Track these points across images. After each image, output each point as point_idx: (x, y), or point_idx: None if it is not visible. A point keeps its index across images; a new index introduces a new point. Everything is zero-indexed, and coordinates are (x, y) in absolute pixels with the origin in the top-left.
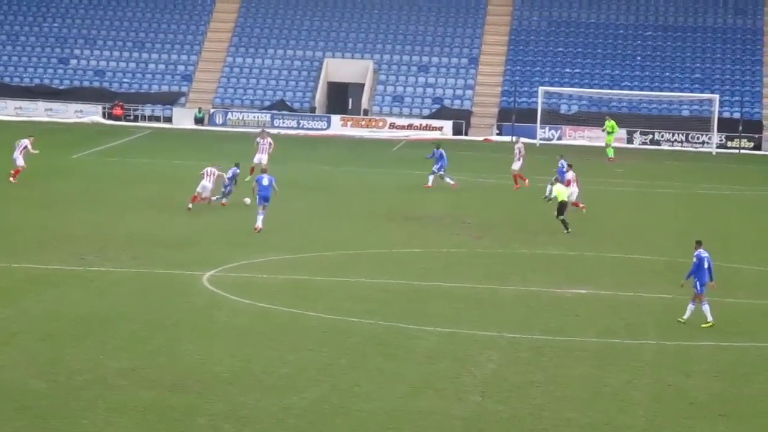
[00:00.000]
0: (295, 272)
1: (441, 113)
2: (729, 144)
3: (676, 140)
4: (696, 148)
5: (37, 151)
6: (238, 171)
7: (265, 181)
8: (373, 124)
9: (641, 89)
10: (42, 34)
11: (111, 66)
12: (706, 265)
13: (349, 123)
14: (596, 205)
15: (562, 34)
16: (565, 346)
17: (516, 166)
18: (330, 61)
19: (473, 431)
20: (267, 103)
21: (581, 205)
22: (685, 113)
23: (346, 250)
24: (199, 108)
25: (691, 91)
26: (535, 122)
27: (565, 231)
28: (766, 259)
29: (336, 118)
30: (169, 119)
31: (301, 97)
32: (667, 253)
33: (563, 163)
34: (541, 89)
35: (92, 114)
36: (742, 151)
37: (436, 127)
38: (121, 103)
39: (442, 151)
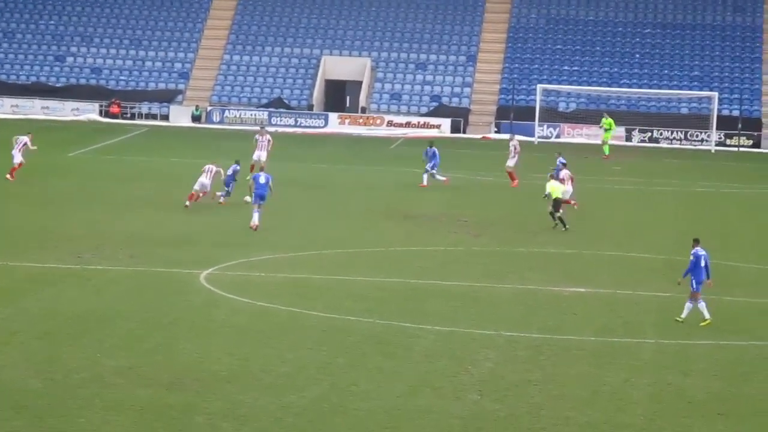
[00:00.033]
0: (294, 271)
1: (439, 111)
2: (728, 142)
3: (674, 138)
4: (695, 145)
5: (35, 148)
6: (238, 168)
7: (262, 180)
8: (371, 121)
9: (640, 87)
10: (38, 32)
11: (108, 64)
12: (703, 263)
13: (347, 121)
14: (594, 203)
15: (561, 32)
16: (563, 344)
17: (510, 163)
18: (327, 58)
19: (471, 430)
20: (264, 101)
21: (572, 202)
22: (684, 111)
23: (344, 249)
24: (196, 106)
25: (690, 89)
26: (534, 120)
27: (563, 228)
28: (764, 257)
29: (333, 116)
30: (166, 117)
31: (298, 94)
32: (666, 252)
33: (561, 160)
34: (539, 87)
35: (89, 112)
36: (741, 148)
37: (434, 125)
38: (117, 101)
39: (435, 150)
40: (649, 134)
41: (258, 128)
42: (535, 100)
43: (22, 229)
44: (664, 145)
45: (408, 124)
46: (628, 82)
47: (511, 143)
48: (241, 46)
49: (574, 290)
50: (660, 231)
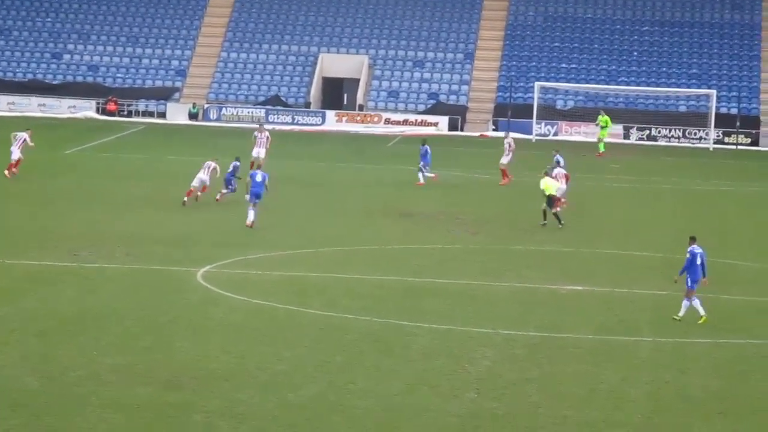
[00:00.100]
0: (291, 269)
1: (436, 109)
2: (726, 140)
3: (672, 136)
4: (693, 143)
5: (33, 144)
6: (238, 164)
7: (259, 178)
8: (369, 119)
9: (638, 85)
10: (35, 29)
11: (105, 61)
12: (699, 261)
13: (344, 118)
14: (592, 201)
15: (558, 29)
16: (560, 342)
17: (504, 160)
18: (325, 56)
19: (469, 428)
20: (261, 99)
21: (563, 200)
22: (682, 109)
23: (342, 247)
24: (194, 103)
25: (688, 87)
26: (531, 118)
27: (558, 225)
28: (762, 256)
29: (331, 114)
30: (163, 114)
31: (295, 92)
32: (663, 250)
33: (559, 158)
34: (537, 84)
35: (86, 109)
36: (740, 146)
37: (431, 123)
38: (114, 99)
39: (427, 148)
40: (647, 132)
41: (257, 125)
42: (532, 98)
43: (18, 228)
44: (662, 143)
45: (405, 122)
46: (626, 79)
47: (505, 140)
48: (238, 43)
49: (572, 288)
50: (658, 229)
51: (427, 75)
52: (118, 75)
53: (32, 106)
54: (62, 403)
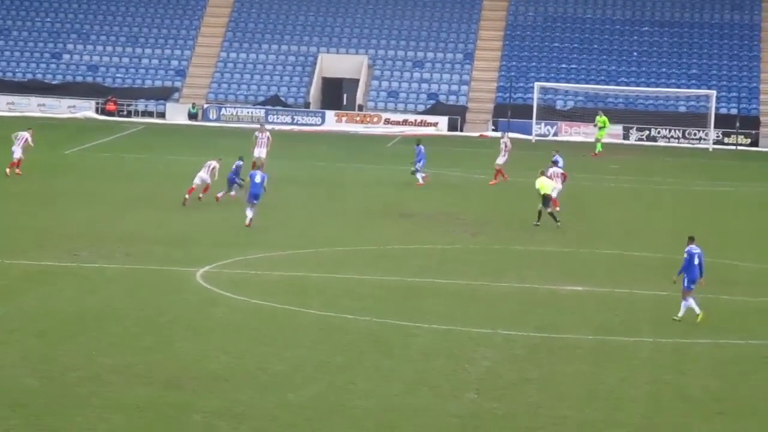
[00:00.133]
0: (291, 269)
1: (436, 109)
2: (726, 140)
3: (672, 136)
4: (693, 144)
5: (32, 144)
6: (241, 164)
7: (258, 179)
8: (368, 119)
9: (638, 85)
10: (35, 29)
11: (104, 61)
12: (696, 261)
13: (344, 119)
14: (592, 202)
15: (558, 30)
16: (560, 343)
17: (500, 160)
18: (324, 56)
19: (469, 429)
20: (261, 99)
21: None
22: (682, 109)
23: (342, 247)
24: (193, 103)
25: (688, 87)
26: (531, 118)
27: (555, 224)
28: (762, 256)
29: (330, 114)
30: (162, 114)
31: (295, 92)
32: (663, 250)
33: (557, 158)
34: (536, 85)
35: (85, 109)
36: (739, 147)
37: (431, 123)
38: (114, 99)
39: (422, 148)
40: (647, 132)
41: (258, 125)
42: (532, 98)
43: (18, 227)
44: (661, 143)
45: (405, 122)
46: (625, 80)
47: (502, 141)
48: (237, 43)
49: (572, 289)
50: (658, 229)
51: (426, 75)
52: (118, 75)
53: (32, 106)
54: (62, 403)
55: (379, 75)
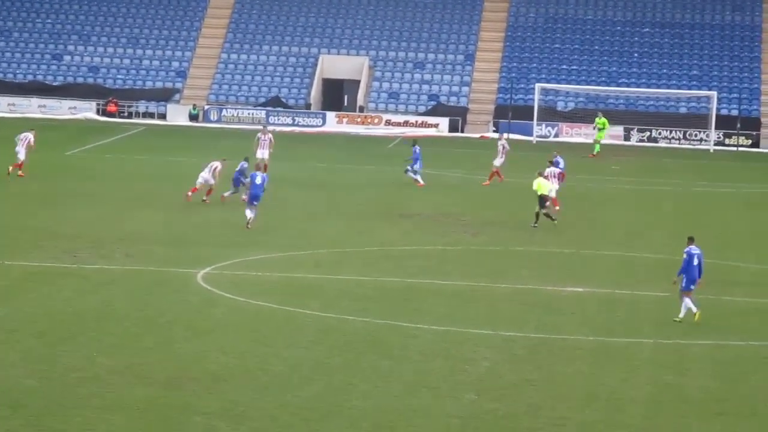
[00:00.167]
0: (290, 270)
1: (437, 110)
2: (727, 141)
3: (673, 137)
4: (694, 145)
5: (34, 146)
6: (246, 165)
7: (258, 180)
8: (369, 120)
9: (638, 86)
10: (35, 30)
11: (105, 62)
12: (696, 262)
13: (345, 120)
14: (593, 203)
15: (559, 31)
16: (561, 344)
17: (497, 162)
18: (325, 57)
19: (469, 429)
20: (262, 100)
21: (557, 206)
22: (683, 110)
23: (341, 248)
24: (194, 105)
25: (689, 88)
26: (532, 119)
27: (552, 221)
28: (763, 257)
29: (331, 115)
30: (163, 116)
31: (296, 93)
32: (664, 251)
33: (558, 159)
34: (537, 86)
35: (86, 110)
36: (740, 148)
37: (432, 124)
38: (115, 100)
39: (417, 148)
40: (648, 134)
41: (260, 127)
42: (533, 100)
43: (18, 228)
44: (662, 144)
45: (406, 123)
46: (626, 81)
47: (499, 142)
48: (238, 44)
49: (572, 290)
50: (658, 231)
51: (427, 76)
52: (119, 76)
53: (32, 108)
54: (62, 403)
55: (380, 76)
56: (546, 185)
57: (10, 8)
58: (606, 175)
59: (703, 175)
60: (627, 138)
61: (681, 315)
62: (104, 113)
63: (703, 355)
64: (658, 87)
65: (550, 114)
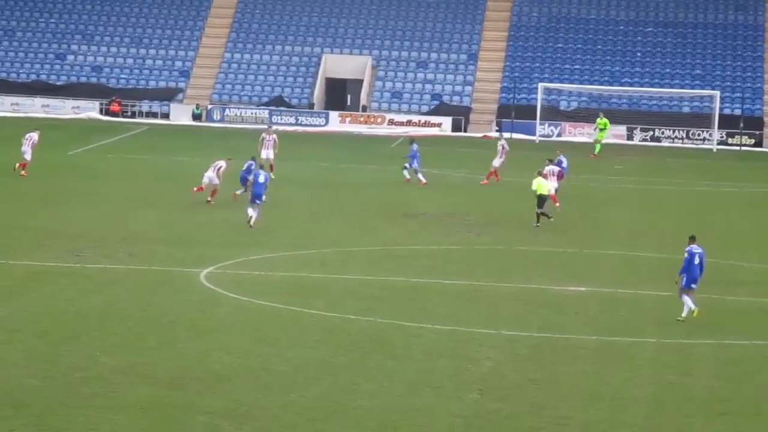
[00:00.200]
0: (294, 269)
1: (440, 109)
2: (730, 141)
3: (676, 137)
4: (697, 144)
5: (37, 145)
6: (253, 164)
7: (262, 179)
8: (372, 120)
9: (641, 86)
10: (39, 30)
11: (108, 62)
12: (697, 261)
13: (348, 119)
14: (596, 202)
15: (562, 30)
16: (564, 343)
17: (497, 162)
18: (328, 56)
19: (472, 429)
20: (265, 99)
21: (557, 203)
22: (686, 110)
23: (345, 247)
24: (197, 104)
25: (692, 88)
26: (535, 119)
27: (548, 218)
28: (766, 257)
29: (334, 115)
30: (166, 115)
31: (299, 93)
32: (667, 251)
33: (561, 159)
34: (540, 85)
35: (89, 110)
36: (743, 147)
37: (434, 124)
38: (118, 99)
39: (415, 146)
40: (651, 133)
41: (265, 127)
42: (536, 99)
43: (21, 228)
44: (665, 144)
45: (409, 123)
46: (629, 80)
47: (499, 143)
48: (241, 44)
49: (576, 289)
50: (662, 230)
51: (430, 76)
52: (122, 76)
53: (36, 107)
54: (65, 403)
55: (383, 75)
56: (545, 185)
57: (14, 8)
58: (609, 175)
59: (706, 175)
60: (630, 137)
61: (684, 314)
62: (107, 113)
63: (706, 354)
64: (661, 86)
65: (553, 113)
